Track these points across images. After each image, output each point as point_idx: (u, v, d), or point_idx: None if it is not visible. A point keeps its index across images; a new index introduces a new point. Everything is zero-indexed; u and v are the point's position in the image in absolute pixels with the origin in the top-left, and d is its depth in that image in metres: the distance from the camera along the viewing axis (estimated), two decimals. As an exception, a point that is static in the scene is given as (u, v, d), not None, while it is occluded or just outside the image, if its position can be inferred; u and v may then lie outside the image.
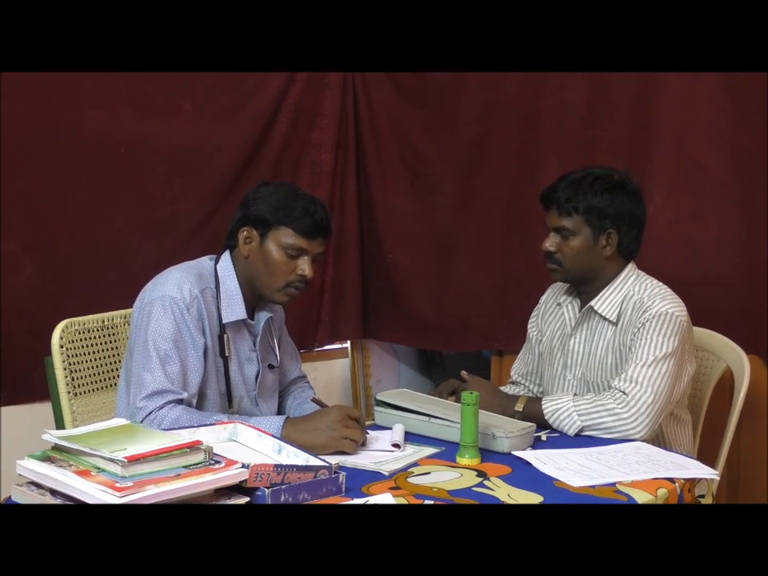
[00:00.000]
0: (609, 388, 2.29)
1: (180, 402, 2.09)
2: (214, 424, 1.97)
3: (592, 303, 2.37)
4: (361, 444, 2.03)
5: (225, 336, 2.21)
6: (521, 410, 2.25)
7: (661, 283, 2.36)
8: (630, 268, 2.38)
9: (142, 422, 2.02)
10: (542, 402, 2.24)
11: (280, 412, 2.42)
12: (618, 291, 2.35)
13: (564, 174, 2.38)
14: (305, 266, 2.19)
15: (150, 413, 2.05)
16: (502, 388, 2.56)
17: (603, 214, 2.32)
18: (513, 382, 2.63)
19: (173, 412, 2.05)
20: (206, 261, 2.29)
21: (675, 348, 2.24)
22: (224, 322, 2.21)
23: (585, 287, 2.41)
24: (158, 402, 2.06)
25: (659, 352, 2.23)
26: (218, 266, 2.25)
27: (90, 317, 2.44)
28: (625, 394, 2.19)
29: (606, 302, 2.36)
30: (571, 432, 2.18)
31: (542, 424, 2.21)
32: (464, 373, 2.38)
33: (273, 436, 1.93)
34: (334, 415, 2.03)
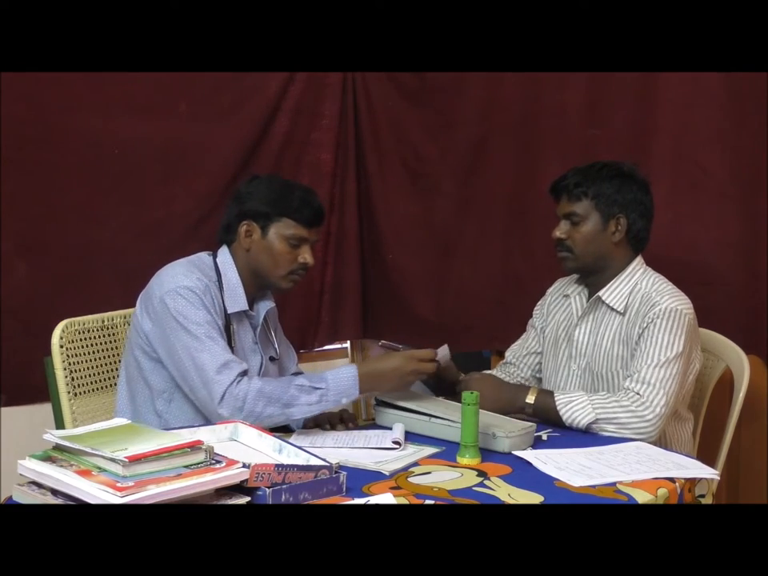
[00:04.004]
0: (614, 379, 2.31)
1: (245, 372, 2.11)
2: (300, 392, 2.08)
3: (600, 293, 2.39)
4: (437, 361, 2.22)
5: (231, 327, 2.23)
6: (532, 401, 2.25)
7: (666, 279, 2.38)
8: (638, 261, 2.41)
9: (222, 400, 2.04)
10: (555, 395, 2.24)
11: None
12: (625, 283, 2.38)
13: (573, 167, 2.42)
14: (306, 255, 2.29)
15: (226, 391, 2.05)
16: (494, 371, 2.56)
17: (612, 199, 2.35)
18: (507, 363, 2.64)
19: (252, 384, 2.07)
20: (204, 256, 2.33)
21: (684, 347, 2.26)
22: (228, 312, 2.23)
23: (593, 278, 2.43)
24: (229, 375, 2.07)
25: (670, 353, 2.24)
26: (217, 259, 2.30)
27: (90, 317, 2.44)
28: (639, 395, 2.20)
29: (614, 292, 2.38)
30: (583, 424, 2.18)
31: (552, 417, 2.21)
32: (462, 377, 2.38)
33: (274, 436, 1.92)
34: (401, 360, 2.17)
